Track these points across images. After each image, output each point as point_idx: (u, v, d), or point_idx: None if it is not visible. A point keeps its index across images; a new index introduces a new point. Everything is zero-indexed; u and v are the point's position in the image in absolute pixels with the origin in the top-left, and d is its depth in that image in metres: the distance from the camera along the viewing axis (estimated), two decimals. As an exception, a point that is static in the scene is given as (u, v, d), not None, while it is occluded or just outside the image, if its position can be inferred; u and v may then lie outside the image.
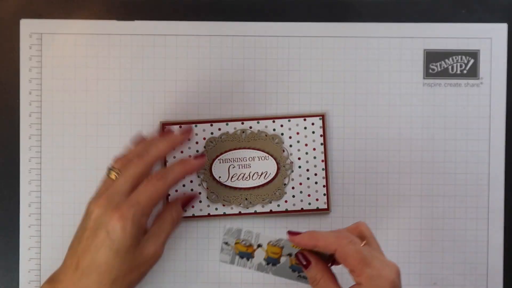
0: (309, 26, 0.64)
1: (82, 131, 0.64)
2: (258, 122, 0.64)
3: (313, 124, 0.63)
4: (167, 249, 0.64)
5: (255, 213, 0.64)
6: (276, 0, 0.64)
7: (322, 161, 0.64)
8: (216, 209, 0.64)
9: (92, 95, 0.64)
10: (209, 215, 0.64)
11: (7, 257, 0.64)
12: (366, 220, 0.64)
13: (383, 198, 0.64)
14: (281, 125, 0.64)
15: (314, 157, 0.64)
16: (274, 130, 0.64)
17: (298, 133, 0.64)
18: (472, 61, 0.64)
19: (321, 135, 0.63)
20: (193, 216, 0.64)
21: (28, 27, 0.64)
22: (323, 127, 0.63)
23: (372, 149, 0.64)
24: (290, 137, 0.64)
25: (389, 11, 0.64)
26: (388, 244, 0.64)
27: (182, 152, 0.64)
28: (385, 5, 0.64)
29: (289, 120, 0.63)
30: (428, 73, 0.64)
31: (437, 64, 0.64)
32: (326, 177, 0.64)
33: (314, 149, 0.64)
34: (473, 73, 0.64)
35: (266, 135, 0.63)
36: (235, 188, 0.63)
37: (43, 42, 0.64)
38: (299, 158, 0.64)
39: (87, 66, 0.64)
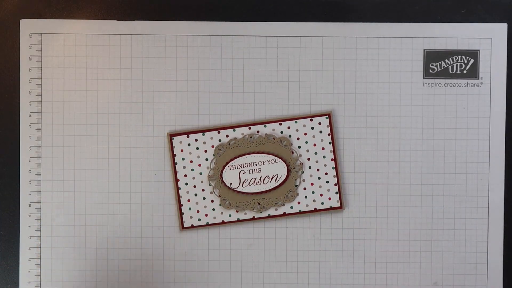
0: (309, 26, 0.64)
1: (82, 131, 0.64)
2: (265, 126, 0.64)
3: (319, 123, 0.63)
4: (168, 248, 0.64)
5: (269, 216, 0.64)
6: (276, 0, 0.64)
7: (332, 159, 0.64)
8: (230, 215, 0.64)
9: (92, 95, 0.64)
10: (223, 222, 0.64)
11: (7, 257, 0.64)
12: (366, 220, 0.64)
13: (383, 198, 0.64)
14: (288, 127, 0.64)
15: (324, 156, 0.64)
16: (281, 132, 0.64)
17: (305, 134, 0.64)
18: (472, 61, 0.64)
19: (328, 134, 0.63)
20: (207, 225, 0.64)
21: (28, 27, 0.64)
22: (330, 125, 0.63)
23: (372, 149, 0.64)
24: (298, 138, 0.64)
25: (389, 11, 0.64)
26: (388, 244, 0.64)
27: (191, 161, 0.64)
28: (385, 5, 0.64)
29: (295, 122, 0.63)
30: (428, 73, 0.64)
31: (437, 64, 0.64)
32: (337, 175, 0.64)
33: (323, 148, 0.64)
34: (473, 73, 0.64)
35: (274, 138, 0.63)
36: (247, 194, 0.63)
37: (43, 42, 0.64)
38: (308, 159, 0.64)
39: (87, 66, 0.64)
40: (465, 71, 0.64)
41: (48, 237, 0.64)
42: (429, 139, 0.64)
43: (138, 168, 0.64)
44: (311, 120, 0.64)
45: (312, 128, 0.64)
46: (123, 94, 0.64)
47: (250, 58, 0.64)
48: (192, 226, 0.64)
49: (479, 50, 0.64)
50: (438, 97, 0.64)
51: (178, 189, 0.64)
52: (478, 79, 0.64)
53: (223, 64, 0.64)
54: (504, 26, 0.63)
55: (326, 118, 0.63)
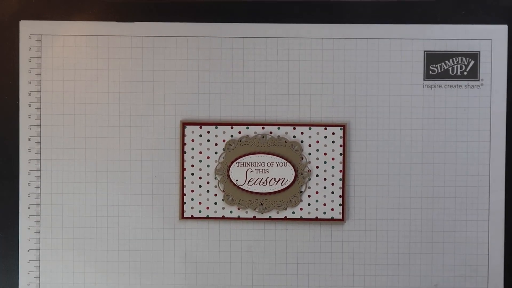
0: (309, 28, 0.64)
1: (82, 133, 0.64)
2: (278, 128, 0.63)
3: (333, 133, 0.63)
4: (167, 250, 0.64)
5: (270, 218, 0.64)
6: (276, 1, 0.64)
7: (340, 171, 0.64)
8: (231, 212, 0.64)
9: (92, 97, 0.64)
10: (223, 217, 0.64)
11: (6, 258, 0.64)
12: (366, 221, 0.64)
13: (383, 200, 0.64)
14: (302, 133, 0.63)
15: (332, 167, 0.64)
16: (294, 137, 0.63)
17: (318, 142, 0.63)
18: (472, 62, 0.63)
19: (340, 145, 0.63)
20: (207, 218, 0.64)
21: (28, 29, 0.64)
22: (344, 137, 0.63)
23: (372, 151, 0.64)
24: (309, 145, 0.64)
25: (389, 13, 0.64)
26: (388, 246, 0.64)
27: (200, 153, 0.64)
28: (385, 7, 0.64)
29: (309, 128, 0.63)
30: (429, 75, 0.64)
31: (437, 66, 0.63)
32: (343, 188, 0.63)
33: (333, 158, 0.64)
34: (473, 74, 0.63)
35: (286, 142, 0.63)
36: (251, 193, 0.63)
37: (43, 44, 0.64)
38: (317, 167, 0.64)
39: (87, 67, 0.64)
40: (465, 73, 0.63)
41: (48, 239, 0.64)
42: (429, 140, 0.64)
43: (138, 170, 0.64)
44: (325, 128, 0.63)
45: (325, 137, 0.64)
46: (123, 96, 0.64)
47: (250, 60, 0.64)
48: (192, 217, 0.64)
49: (479, 52, 0.63)
50: (438, 99, 0.64)
51: (183, 178, 0.64)
52: (479, 80, 0.63)
53: (222, 66, 0.64)
54: (504, 28, 0.63)
55: (341, 129, 0.63)
